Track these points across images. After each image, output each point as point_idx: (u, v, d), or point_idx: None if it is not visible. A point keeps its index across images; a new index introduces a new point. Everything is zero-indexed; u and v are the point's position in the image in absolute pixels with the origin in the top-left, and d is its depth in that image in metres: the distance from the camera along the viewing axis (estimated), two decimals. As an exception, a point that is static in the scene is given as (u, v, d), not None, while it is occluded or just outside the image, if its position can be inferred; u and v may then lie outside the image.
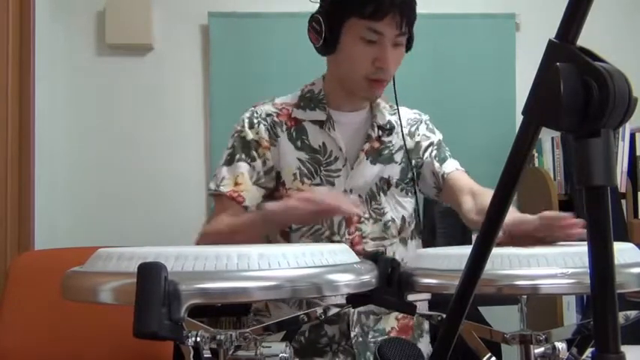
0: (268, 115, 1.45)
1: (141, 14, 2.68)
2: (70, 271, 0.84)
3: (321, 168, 1.42)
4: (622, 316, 0.95)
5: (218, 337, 0.77)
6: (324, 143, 1.43)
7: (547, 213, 1.11)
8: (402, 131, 1.47)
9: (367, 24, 1.32)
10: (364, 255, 1.10)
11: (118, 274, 0.77)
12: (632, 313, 0.95)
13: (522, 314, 1.00)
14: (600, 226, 0.55)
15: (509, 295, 0.88)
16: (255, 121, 1.44)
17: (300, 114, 1.45)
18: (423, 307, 1.06)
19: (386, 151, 1.46)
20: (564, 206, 2.57)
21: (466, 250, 0.65)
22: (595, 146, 0.54)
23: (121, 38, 2.69)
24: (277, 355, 0.82)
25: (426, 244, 1.58)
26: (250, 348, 0.81)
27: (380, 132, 1.47)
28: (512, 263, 0.85)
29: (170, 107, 2.77)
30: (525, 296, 0.99)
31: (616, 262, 0.56)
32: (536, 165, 2.70)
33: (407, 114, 1.53)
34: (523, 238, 1.10)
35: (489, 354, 0.94)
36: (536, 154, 2.71)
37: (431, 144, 1.50)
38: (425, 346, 1.51)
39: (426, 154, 1.48)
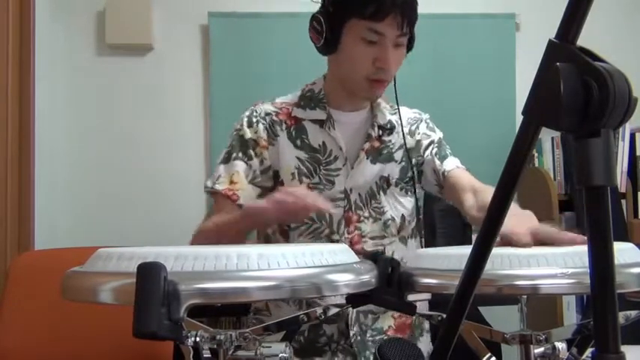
0: (267, 114, 1.45)
1: (141, 14, 2.69)
2: (70, 271, 0.84)
3: (321, 167, 1.42)
4: (622, 316, 0.95)
5: (218, 337, 0.77)
6: (323, 142, 1.43)
7: (544, 230, 1.06)
8: (402, 130, 1.48)
9: (368, 24, 1.32)
10: (364, 255, 1.10)
11: (118, 274, 0.77)
12: (632, 313, 0.95)
13: (522, 314, 1.00)
14: (600, 226, 0.54)
15: (509, 295, 0.88)
16: (254, 120, 1.44)
17: (301, 113, 1.45)
18: (423, 307, 1.06)
19: (386, 151, 1.46)
20: (564, 206, 2.57)
21: (466, 250, 0.65)
22: (595, 146, 0.54)
23: (121, 38, 2.69)
24: (277, 355, 0.82)
25: (426, 244, 1.58)
26: (250, 348, 0.81)
27: (380, 131, 1.47)
28: (512, 263, 0.85)
29: (170, 107, 2.77)
30: (525, 296, 0.99)
31: (616, 262, 0.56)
32: (536, 165, 2.71)
33: (407, 113, 1.53)
34: None
35: (489, 354, 0.94)
36: (536, 154, 2.71)
37: (431, 142, 1.50)
38: (425, 345, 1.51)
39: (427, 152, 1.49)
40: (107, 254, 0.82)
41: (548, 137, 2.68)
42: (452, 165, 1.46)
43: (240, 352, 0.80)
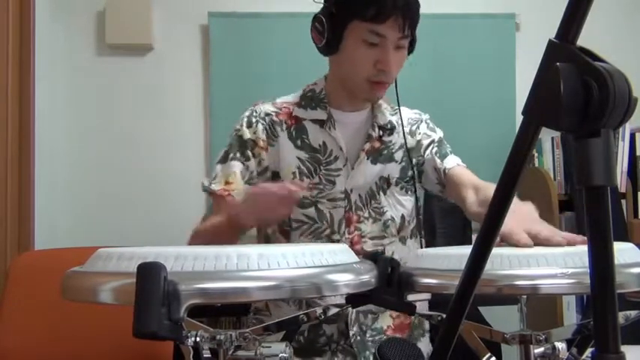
0: (267, 114, 1.45)
1: (141, 14, 2.68)
2: (70, 271, 0.84)
3: (321, 167, 1.42)
4: (622, 316, 0.95)
5: (218, 337, 0.77)
6: (324, 142, 1.43)
7: (541, 234, 1.04)
8: (402, 130, 1.48)
9: (369, 27, 1.32)
10: (364, 255, 1.10)
11: (118, 274, 0.77)
12: (632, 313, 0.95)
13: (522, 314, 1.00)
14: (600, 226, 0.54)
15: (509, 295, 0.88)
16: (254, 120, 1.45)
17: (301, 113, 1.45)
18: (423, 307, 1.06)
19: (386, 151, 1.46)
20: (564, 206, 2.57)
21: (466, 250, 0.65)
22: (595, 146, 0.54)
23: (121, 38, 2.69)
24: (277, 355, 0.82)
25: (426, 244, 1.58)
26: (250, 348, 0.81)
27: (381, 132, 1.47)
28: (512, 263, 0.85)
29: (170, 107, 2.77)
30: (525, 296, 0.99)
31: (616, 262, 0.56)
32: (536, 165, 2.71)
33: (407, 114, 1.54)
34: None
35: (489, 354, 0.94)
36: (536, 154, 2.71)
37: (432, 142, 1.50)
38: (425, 345, 1.51)
39: (427, 152, 1.49)
40: (107, 254, 0.82)
41: (548, 137, 2.68)
42: (453, 163, 1.46)
43: (240, 352, 0.80)
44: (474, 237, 1.28)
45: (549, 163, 2.68)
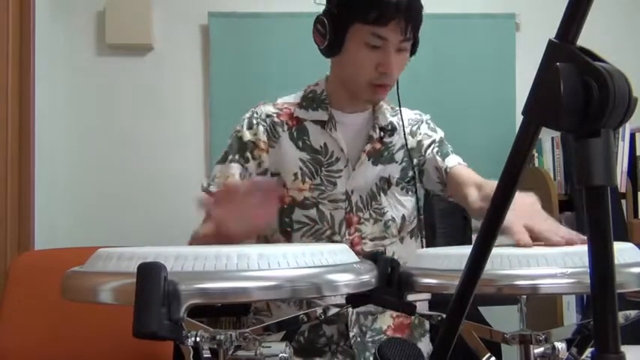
0: (268, 115, 1.45)
1: (141, 14, 2.69)
2: (70, 271, 0.84)
3: (322, 168, 1.42)
4: (622, 316, 0.95)
5: (218, 337, 0.77)
6: (325, 144, 1.43)
7: (540, 230, 1.06)
8: (403, 130, 1.47)
9: (371, 29, 1.31)
10: (364, 255, 1.10)
11: (118, 274, 0.77)
12: (632, 313, 0.95)
13: (522, 314, 1.00)
14: (600, 226, 0.54)
15: (509, 295, 0.88)
16: (255, 122, 1.44)
17: (302, 114, 1.45)
18: (422, 307, 1.06)
19: (387, 152, 1.46)
20: (564, 206, 2.57)
21: (466, 250, 0.65)
22: (595, 146, 0.54)
23: (121, 38, 2.69)
24: (277, 355, 0.82)
25: (426, 244, 1.58)
26: (250, 348, 0.81)
27: (382, 133, 1.47)
28: (512, 263, 0.85)
29: (170, 107, 2.77)
30: (525, 296, 0.99)
31: (616, 262, 0.56)
32: (536, 165, 2.71)
33: (408, 114, 1.53)
34: None
35: (489, 354, 0.94)
36: (536, 154, 2.71)
37: (433, 141, 1.50)
38: (425, 345, 1.51)
39: (429, 151, 1.49)
40: (107, 254, 0.82)
41: (548, 137, 2.68)
42: (454, 162, 1.46)
43: (240, 352, 0.80)
44: (474, 237, 1.28)
45: (549, 163, 2.68)
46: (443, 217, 2.43)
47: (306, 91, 1.49)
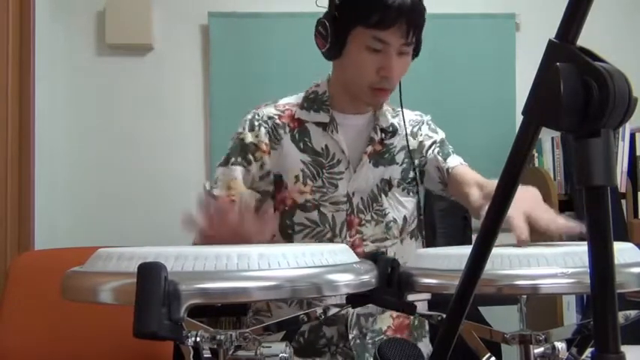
0: (270, 117, 1.45)
1: (141, 14, 2.69)
2: (70, 271, 0.84)
3: (324, 170, 1.41)
4: (622, 316, 0.95)
5: (218, 337, 0.77)
6: (326, 146, 1.43)
7: (540, 218, 1.05)
8: (405, 132, 1.47)
9: (373, 33, 1.30)
10: (364, 255, 1.10)
11: (118, 274, 0.77)
12: (632, 313, 0.95)
13: (522, 314, 1.00)
14: (600, 226, 0.54)
15: (509, 295, 0.88)
16: (256, 123, 1.44)
17: (304, 115, 1.45)
18: (422, 307, 1.06)
19: (388, 154, 1.46)
20: (564, 206, 2.57)
21: (466, 250, 0.65)
22: (595, 146, 0.54)
23: (121, 38, 2.69)
24: (277, 355, 0.82)
25: (426, 244, 1.58)
26: (250, 348, 0.81)
27: (383, 135, 1.46)
28: (512, 263, 0.85)
29: (170, 107, 2.77)
30: (525, 296, 0.99)
31: (616, 262, 0.56)
32: (536, 165, 2.71)
33: (409, 115, 1.53)
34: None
35: (489, 354, 0.94)
36: (536, 154, 2.71)
37: (434, 142, 1.50)
38: (425, 346, 1.51)
39: (430, 152, 1.48)
40: (107, 254, 0.82)
41: (548, 137, 2.68)
42: (456, 162, 1.46)
43: (240, 352, 0.80)
44: (474, 237, 1.28)
45: (549, 163, 2.68)
46: (443, 217, 2.43)
47: (307, 92, 1.49)
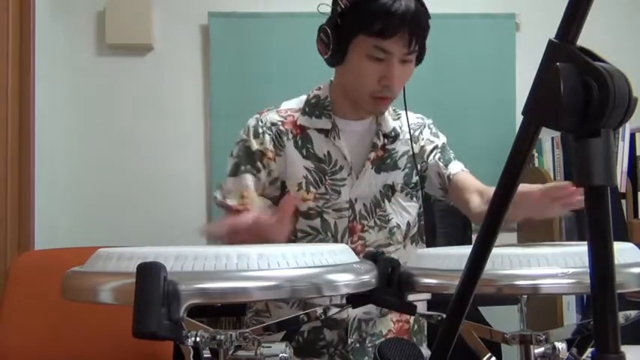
0: (273, 124, 1.44)
1: (141, 14, 2.68)
2: (70, 271, 0.84)
3: (326, 177, 1.41)
4: (622, 316, 0.95)
5: (218, 337, 0.77)
6: (328, 152, 1.42)
7: (549, 186, 1.14)
8: (410, 136, 1.46)
9: (375, 42, 1.29)
10: (364, 255, 1.10)
11: (118, 274, 0.77)
12: (632, 313, 0.95)
13: (522, 314, 1.00)
14: (600, 226, 0.54)
15: (509, 295, 0.88)
16: (260, 130, 1.43)
17: (306, 121, 1.44)
18: (421, 308, 1.06)
19: (390, 159, 1.46)
20: (564, 206, 2.57)
21: (466, 250, 0.65)
22: (595, 146, 0.54)
23: (121, 38, 2.69)
24: (277, 355, 0.82)
25: (427, 244, 1.58)
26: (250, 348, 0.81)
27: (385, 140, 1.46)
28: (513, 263, 0.85)
29: (170, 107, 2.77)
30: (525, 296, 0.99)
31: (616, 262, 0.56)
32: (536, 165, 2.71)
33: (410, 118, 1.51)
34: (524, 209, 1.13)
35: (489, 354, 0.94)
36: (536, 154, 2.71)
37: (435, 147, 1.49)
38: (424, 350, 1.51)
39: (431, 157, 1.48)
40: (107, 254, 0.82)
41: (548, 137, 2.68)
42: (457, 168, 1.45)
43: (240, 352, 0.80)
44: (474, 237, 1.28)
45: (549, 163, 2.68)
46: (443, 217, 2.43)
47: (309, 96, 1.48)
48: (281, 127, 1.43)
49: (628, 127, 2.60)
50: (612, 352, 0.53)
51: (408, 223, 1.46)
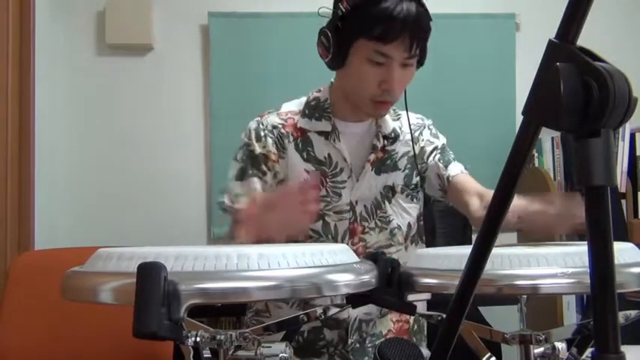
0: (274, 127, 1.44)
1: (141, 14, 2.68)
2: (70, 271, 0.84)
3: (327, 179, 1.41)
4: (622, 316, 0.95)
5: (218, 337, 0.77)
6: (329, 154, 1.42)
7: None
8: (412, 138, 1.46)
9: (375, 46, 1.28)
10: (364, 255, 1.10)
11: (118, 274, 0.77)
12: (632, 313, 0.95)
13: (522, 314, 1.00)
14: (600, 226, 0.54)
15: (509, 295, 0.88)
16: (262, 133, 1.43)
17: (306, 124, 1.44)
18: (421, 308, 1.06)
19: (390, 160, 1.46)
20: (564, 206, 2.57)
21: (466, 250, 0.65)
22: (595, 146, 0.54)
23: (121, 38, 2.69)
24: (277, 355, 0.82)
25: (426, 244, 1.58)
26: (250, 348, 0.81)
27: (385, 141, 1.46)
28: (513, 263, 0.85)
29: (170, 107, 2.77)
30: (525, 296, 0.99)
31: (616, 262, 0.56)
32: (536, 165, 2.70)
33: (410, 119, 1.52)
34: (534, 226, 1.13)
35: (489, 354, 0.94)
36: (536, 154, 2.71)
37: (435, 148, 1.49)
38: (424, 349, 1.51)
39: (430, 158, 1.48)
40: (107, 254, 0.82)
41: (548, 137, 2.68)
42: (456, 170, 1.45)
43: (240, 352, 0.80)
44: (474, 237, 1.28)
45: (549, 163, 2.68)
46: (443, 217, 2.43)
47: (309, 98, 1.48)
48: (282, 130, 1.43)
49: (628, 127, 2.60)
50: (612, 352, 0.53)
51: (409, 224, 1.46)
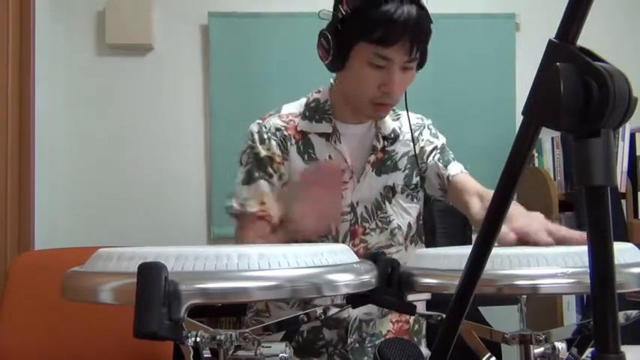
0: (277, 129, 1.43)
1: (141, 14, 2.69)
2: (70, 271, 0.84)
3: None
4: (622, 316, 0.95)
5: (218, 337, 0.77)
6: (330, 156, 1.42)
7: (557, 230, 1.08)
8: (412, 138, 1.46)
9: (375, 49, 1.28)
10: (364, 255, 1.10)
11: (118, 274, 0.77)
12: (632, 313, 0.95)
13: (522, 314, 1.00)
14: (600, 226, 0.54)
15: (509, 295, 0.88)
16: (265, 136, 1.43)
17: (306, 126, 1.44)
18: (420, 308, 1.06)
19: (390, 161, 1.45)
20: (564, 206, 2.57)
21: (466, 250, 0.65)
22: (595, 146, 0.54)
23: (121, 38, 2.70)
24: (277, 355, 0.82)
25: (426, 244, 1.58)
26: (250, 348, 0.81)
27: (385, 142, 1.46)
28: (512, 263, 0.85)
29: (170, 107, 2.77)
30: (525, 296, 0.99)
31: (616, 262, 0.56)
32: (536, 165, 2.71)
33: (410, 119, 1.52)
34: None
35: (489, 354, 0.94)
36: (536, 154, 2.72)
37: (435, 148, 1.49)
38: (424, 349, 1.51)
39: (430, 158, 1.48)
40: (107, 254, 0.82)
41: (548, 137, 2.68)
42: (456, 170, 1.45)
43: (240, 352, 0.80)
44: (474, 237, 1.28)
45: (549, 163, 2.68)
46: (443, 217, 2.43)
47: (308, 99, 1.48)
48: (285, 133, 1.43)
49: (628, 127, 2.60)
50: (612, 352, 0.53)
51: (409, 224, 1.46)
